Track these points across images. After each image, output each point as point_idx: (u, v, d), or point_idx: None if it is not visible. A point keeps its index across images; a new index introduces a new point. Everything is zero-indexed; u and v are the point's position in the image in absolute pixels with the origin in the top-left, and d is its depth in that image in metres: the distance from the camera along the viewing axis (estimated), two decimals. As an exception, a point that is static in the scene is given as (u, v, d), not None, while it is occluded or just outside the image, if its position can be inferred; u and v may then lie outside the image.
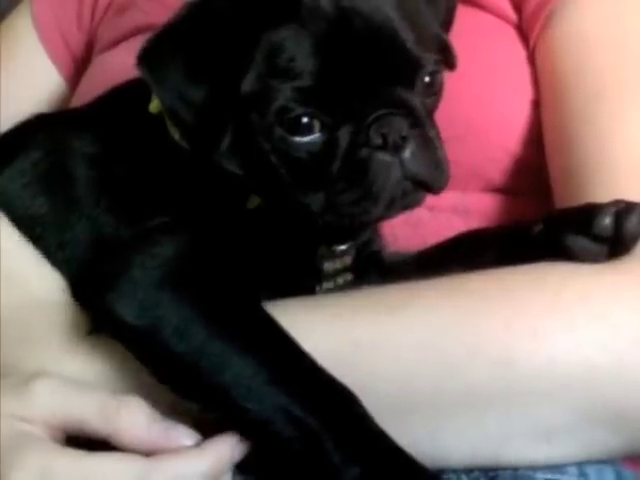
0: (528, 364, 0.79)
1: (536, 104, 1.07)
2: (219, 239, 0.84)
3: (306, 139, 0.79)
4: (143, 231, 0.83)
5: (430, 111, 0.85)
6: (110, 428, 0.75)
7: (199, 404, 0.77)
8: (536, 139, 1.06)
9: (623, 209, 0.82)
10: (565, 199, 0.99)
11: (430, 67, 0.83)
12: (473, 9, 1.10)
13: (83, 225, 0.87)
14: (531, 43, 1.10)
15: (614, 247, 0.83)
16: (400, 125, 0.79)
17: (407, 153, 0.79)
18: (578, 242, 0.83)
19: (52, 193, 0.90)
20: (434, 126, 0.84)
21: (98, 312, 0.80)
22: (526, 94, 1.07)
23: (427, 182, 0.81)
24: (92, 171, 0.89)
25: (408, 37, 0.81)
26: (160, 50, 0.84)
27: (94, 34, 1.33)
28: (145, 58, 0.83)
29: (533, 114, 1.07)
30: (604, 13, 1.06)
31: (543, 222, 0.87)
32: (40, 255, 0.87)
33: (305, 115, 0.79)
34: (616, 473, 0.87)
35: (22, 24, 1.36)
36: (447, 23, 0.92)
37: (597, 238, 0.82)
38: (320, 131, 0.79)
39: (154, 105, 0.88)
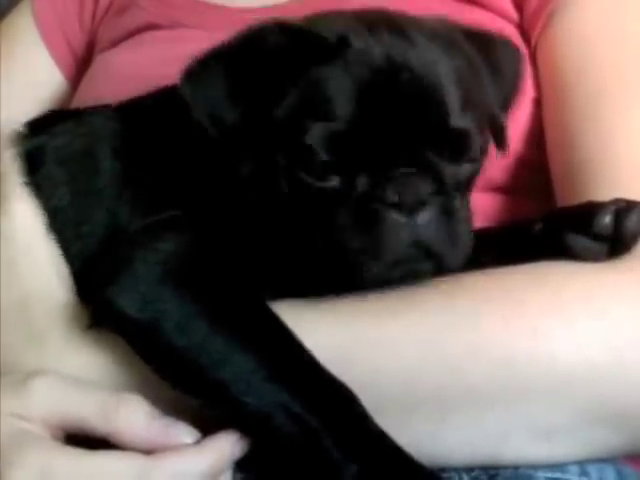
0: (528, 363, 0.79)
1: (537, 103, 1.08)
2: (226, 238, 0.83)
3: (324, 184, 0.78)
4: (148, 225, 0.83)
5: (466, 180, 0.82)
6: (109, 426, 0.75)
7: (199, 399, 0.77)
8: (537, 138, 1.06)
9: (623, 208, 0.82)
10: (566, 197, 0.99)
11: (471, 141, 0.80)
12: (474, 8, 1.11)
13: (101, 218, 0.87)
14: (532, 42, 1.10)
15: (614, 246, 0.83)
16: (421, 188, 0.77)
17: (422, 219, 0.77)
18: (578, 241, 0.84)
19: (75, 183, 0.89)
20: (465, 196, 0.81)
21: (99, 305, 0.80)
22: (527, 92, 1.07)
23: (438, 254, 0.78)
24: (119, 164, 0.89)
25: (454, 105, 0.79)
26: (204, 67, 0.83)
27: (95, 33, 1.32)
28: (188, 72, 0.83)
29: (534, 112, 1.07)
30: (605, 11, 1.06)
31: (543, 221, 0.87)
32: (56, 247, 0.87)
33: (329, 160, 0.78)
34: (617, 471, 0.87)
35: (23, 23, 1.36)
36: (507, 104, 0.90)
37: (597, 237, 0.83)
38: (339, 176, 0.78)
39: None
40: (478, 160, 0.83)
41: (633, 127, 0.98)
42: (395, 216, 0.76)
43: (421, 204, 0.76)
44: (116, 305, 0.78)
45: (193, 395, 0.77)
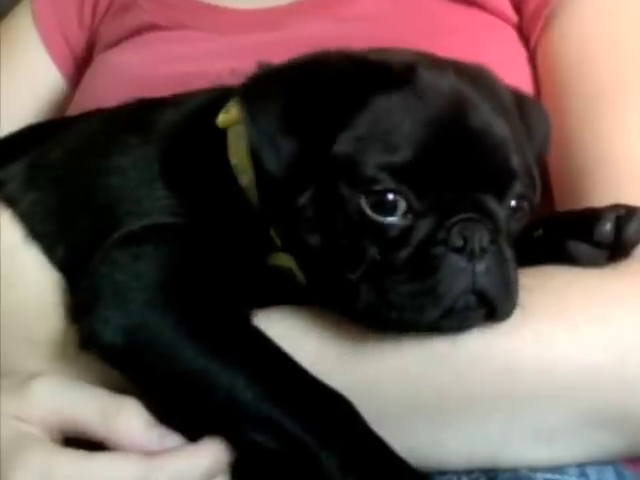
0: (531, 368, 0.79)
1: (537, 104, 1.08)
2: (213, 250, 0.82)
3: (385, 220, 0.75)
4: (127, 236, 0.81)
5: (511, 234, 0.80)
6: (108, 430, 0.76)
7: (192, 422, 0.77)
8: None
9: (623, 215, 0.83)
10: (565, 200, 1.00)
11: (521, 188, 0.79)
12: (474, 9, 1.11)
13: (89, 221, 0.86)
14: (531, 44, 1.10)
15: (614, 251, 0.83)
16: (483, 235, 0.75)
17: (482, 266, 0.74)
18: (579, 248, 0.84)
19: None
20: (511, 249, 0.78)
21: (82, 334, 0.78)
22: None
23: (493, 302, 0.75)
24: (133, 171, 0.86)
25: (512, 149, 0.78)
26: (264, 89, 0.80)
27: (95, 33, 1.32)
28: (247, 92, 0.80)
29: None
30: (603, 13, 1.07)
31: (543, 227, 0.87)
32: (42, 253, 0.86)
33: (392, 192, 0.74)
34: (617, 473, 0.87)
35: (22, 23, 1.35)
36: (536, 162, 0.86)
37: (598, 244, 0.83)
38: (402, 215, 0.75)
39: (223, 119, 0.85)
40: (528, 211, 0.82)
41: (631, 130, 0.99)
42: (458, 260, 0.74)
43: (483, 251, 0.74)
44: (99, 336, 0.76)
45: (184, 418, 0.77)
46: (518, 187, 0.78)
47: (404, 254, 0.75)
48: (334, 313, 0.80)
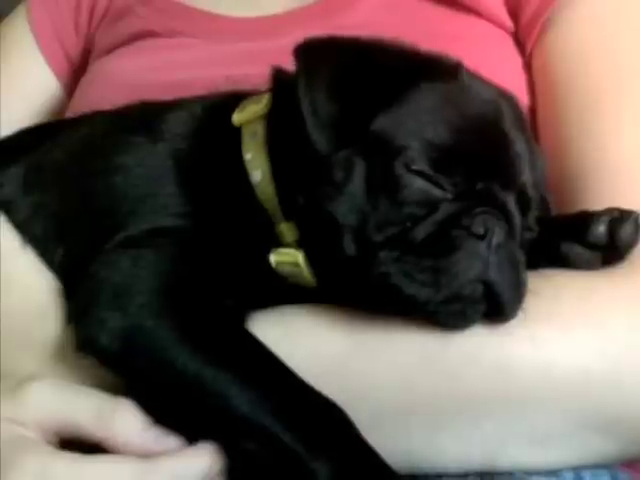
0: (525, 371, 0.79)
1: (533, 111, 1.09)
2: (213, 253, 0.82)
3: (418, 185, 0.77)
4: (127, 239, 0.82)
5: (523, 243, 0.82)
6: (105, 432, 0.76)
7: (186, 427, 0.77)
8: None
9: (617, 218, 0.83)
10: (561, 205, 1.00)
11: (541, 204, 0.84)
12: (470, 16, 1.11)
13: (90, 223, 0.86)
14: (528, 50, 1.11)
15: (608, 254, 0.84)
16: (502, 232, 0.77)
17: (496, 259, 0.76)
18: (573, 249, 0.85)
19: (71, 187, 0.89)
20: (523, 254, 0.81)
21: (79, 336, 0.79)
22: (523, 101, 1.07)
23: (499, 297, 0.77)
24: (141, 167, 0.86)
25: (528, 169, 0.82)
26: (325, 51, 0.83)
27: (91, 40, 1.32)
28: (307, 48, 0.83)
29: (529, 121, 1.07)
30: (600, 20, 1.07)
31: (538, 229, 0.88)
32: (40, 255, 0.86)
33: (427, 173, 0.77)
34: (612, 477, 0.88)
35: (20, 28, 1.35)
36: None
37: (592, 246, 0.84)
38: (434, 188, 0.78)
39: (238, 117, 0.87)
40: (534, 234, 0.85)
41: (627, 135, 0.99)
42: (476, 246, 0.76)
43: (499, 245, 0.76)
44: (94, 339, 0.77)
45: (178, 422, 0.76)
46: (537, 199, 0.82)
47: (427, 229, 0.76)
48: (340, 304, 0.81)
